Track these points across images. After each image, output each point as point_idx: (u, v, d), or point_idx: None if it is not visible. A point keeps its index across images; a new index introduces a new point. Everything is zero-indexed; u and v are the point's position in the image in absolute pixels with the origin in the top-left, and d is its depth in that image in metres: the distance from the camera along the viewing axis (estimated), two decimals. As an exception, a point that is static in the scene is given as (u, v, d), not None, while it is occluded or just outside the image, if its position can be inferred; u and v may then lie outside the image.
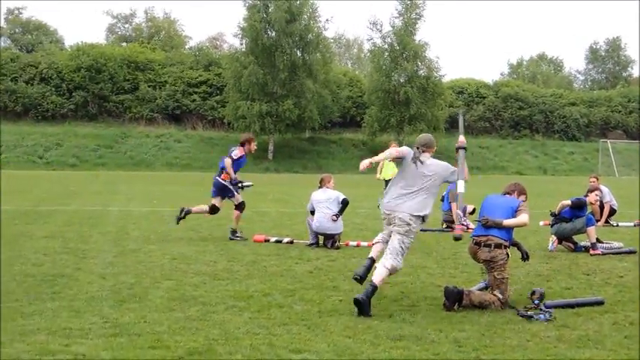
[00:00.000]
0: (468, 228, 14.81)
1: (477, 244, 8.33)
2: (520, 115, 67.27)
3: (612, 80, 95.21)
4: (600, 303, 8.19)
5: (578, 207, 13.07)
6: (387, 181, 22.29)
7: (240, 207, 14.02)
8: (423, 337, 6.73)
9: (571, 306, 8.04)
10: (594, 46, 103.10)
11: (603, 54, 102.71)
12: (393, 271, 8.17)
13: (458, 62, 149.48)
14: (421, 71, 58.48)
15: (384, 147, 58.42)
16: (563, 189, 25.66)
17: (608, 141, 64.19)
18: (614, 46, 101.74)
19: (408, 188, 8.37)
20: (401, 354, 6.23)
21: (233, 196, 14.04)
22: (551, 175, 57.49)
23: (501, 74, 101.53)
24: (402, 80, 57.81)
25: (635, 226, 17.25)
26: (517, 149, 64.05)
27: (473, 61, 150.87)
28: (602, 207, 17.31)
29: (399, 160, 8.60)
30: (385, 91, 57.00)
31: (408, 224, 8.19)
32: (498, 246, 8.20)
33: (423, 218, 8.33)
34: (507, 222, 8.26)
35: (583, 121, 68.64)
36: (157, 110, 59.78)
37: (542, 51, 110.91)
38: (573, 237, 13.01)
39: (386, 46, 59.06)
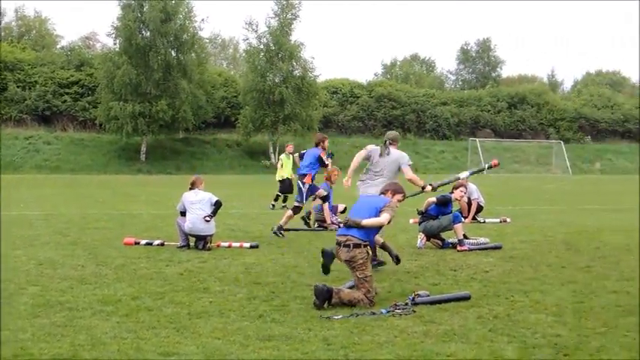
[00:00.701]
0: (339, 226, 14.95)
1: (338, 244, 8.44)
2: (393, 114, 68.37)
3: (482, 80, 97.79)
4: (466, 298, 8.39)
5: (443, 204, 13.38)
6: (280, 181, 22.22)
7: (296, 210, 14.93)
8: (292, 337, 6.76)
9: (438, 302, 8.21)
10: (465, 47, 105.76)
11: (474, 55, 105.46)
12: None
13: (332, 62, 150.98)
14: (296, 71, 58.69)
15: (258, 148, 58.75)
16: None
17: (477, 140, 65.97)
18: (485, 46, 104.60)
19: (377, 175, 10.95)
20: (270, 354, 6.24)
21: (301, 197, 14.90)
22: (422, 173, 58.42)
23: (375, 74, 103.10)
24: (277, 80, 57.88)
25: (500, 222, 17.79)
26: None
27: (347, 61, 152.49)
28: (469, 204, 17.79)
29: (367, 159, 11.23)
30: (260, 92, 56.93)
31: None
32: (357, 246, 8.28)
33: None
34: (365, 222, 8.32)
35: (453, 120, 70.31)
36: (26, 111, 57.91)
37: (415, 52, 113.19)
38: (441, 234, 13.30)
39: (261, 46, 59.01)
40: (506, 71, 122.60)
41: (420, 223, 13.46)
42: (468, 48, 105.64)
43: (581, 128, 75.31)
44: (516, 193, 32.06)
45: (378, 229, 8.58)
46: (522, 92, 76.11)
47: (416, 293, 8.25)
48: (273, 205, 21.75)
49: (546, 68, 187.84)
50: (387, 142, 11.35)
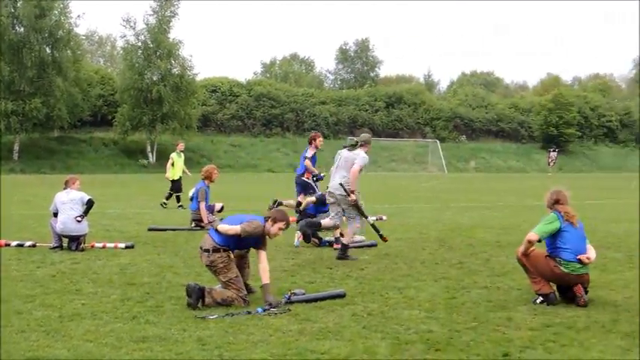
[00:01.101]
0: (211, 223, 14.85)
1: (201, 247, 8.39)
2: (272, 113, 68.46)
3: (360, 80, 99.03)
4: (341, 296, 8.44)
5: (322, 203, 13.47)
6: (173, 181, 21.92)
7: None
8: (166, 338, 6.66)
9: (314, 300, 8.24)
10: (344, 47, 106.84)
11: (352, 54, 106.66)
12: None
13: (211, 61, 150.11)
14: (175, 69, 58.15)
15: (136, 146, 57.82)
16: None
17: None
18: (363, 47, 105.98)
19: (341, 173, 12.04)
20: (143, 355, 6.13)
21: (314, 192, 15.26)
22: (302, 172, 58.82)
23: (254, 73, 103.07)
24: (155, 78, 57.22)
25: (376, 220, 18.00)
26: (269, 147, 65.11)
27: (226, 60, 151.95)
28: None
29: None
30: (138, 90, 56.16)
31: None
32: (216, 250, 8.22)
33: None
34: (220, 227, 8.28)
35: (332, 119, 70.92)
36: None
37: (295, 51, 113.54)
38: (318, 232, 13.36)
39: (139, 43, 58.18)
40: (384, 71, 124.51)
41: (297, 222, 13.49)
42: (347, 48, 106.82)
43: (456, 127, 77.17)
44: (393, 192, 32.54)
45: (234, 237, 8.38)
46: (400, 92, 77.48)
47: (292, 292, 8.25)
48: (165, 204, 21.43)
49: (423, 69, 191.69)
50: (358, 143, 12.46)
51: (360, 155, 12.06)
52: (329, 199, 12.27)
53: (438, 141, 70.63)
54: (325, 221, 12.17)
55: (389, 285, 9.32)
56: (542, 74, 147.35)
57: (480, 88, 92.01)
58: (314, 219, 12.74)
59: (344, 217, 12.09)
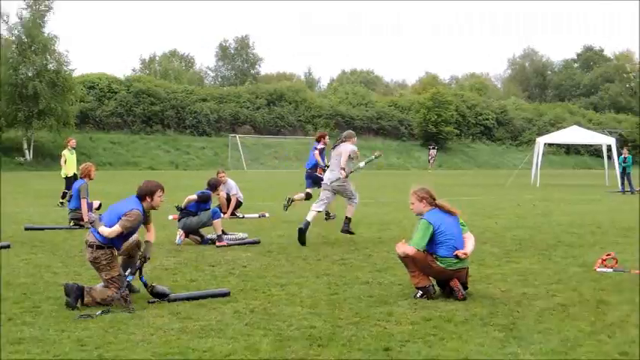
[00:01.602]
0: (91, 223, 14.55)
1: (86, 242, 8.22)
2: (152, 110, 67.33)
3: (241, 77, 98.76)
4: (225, 294, 8.38)
5: (203, 200, 13.38)
6: (66, 178, 21.34)
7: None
8: (44, 339, 6.48)
9: (196, 298, 8.16)
10: (224, 44, 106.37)
11: (233, 51, 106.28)
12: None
13: (89, 57, 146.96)
14: (51, 65, 56.57)
15: (11, 144, 56.05)
16: (195, 183, 26.15)
17: (238, 136, 66.44)
18: (243, 44, 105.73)
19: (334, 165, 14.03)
20: (20, 357, 5.96)
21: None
22: (183, 169, 58.34)
23: (133, 70, 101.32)
24: (30, 74, 55.52)
25: (259, 217, 18.01)
26: (149, 144, 64.15)
27: (104, 55, 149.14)
28: (229, 199, 17.87)
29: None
30: (12, 85, 54.37)
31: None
32: (100, 247, 8.07)
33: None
34: (101, 230, 8.05)
35: (213, 116, 70.35)
36: None
37: (174, 47, 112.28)
38: (200, 230, 13.26)
39: (13, 38, 56.40)
40: (264, 69, 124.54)
41: (179, 220, 13.35)
42: (227, 45, 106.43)
43: (337, 125, 77.70)
44: (276, 189, 32.53)
45: (119, 236, 8.24)
46: (281, 89, 77.49)
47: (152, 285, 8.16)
48: (62, 203, 20.80)
49: (303, 66, 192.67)
50: (340, 139, 14.59)
51: (349, 148, 13.98)
52: (325, 189, 14.17)
53: (319, 138, 70.95)
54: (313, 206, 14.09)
55: (271, 282, 9.33)
56: (421, 73, 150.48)
57: (360, 87, 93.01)
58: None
59: (345, 199, 14.37)
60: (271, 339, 6.52)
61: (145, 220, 8.44)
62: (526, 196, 27.60)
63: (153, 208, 8.41)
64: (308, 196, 17.61)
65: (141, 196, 8.33)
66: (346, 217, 14.20)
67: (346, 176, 13.93)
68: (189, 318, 7.29)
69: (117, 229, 8.03)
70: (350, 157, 13.98)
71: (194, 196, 13.40)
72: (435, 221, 8.44)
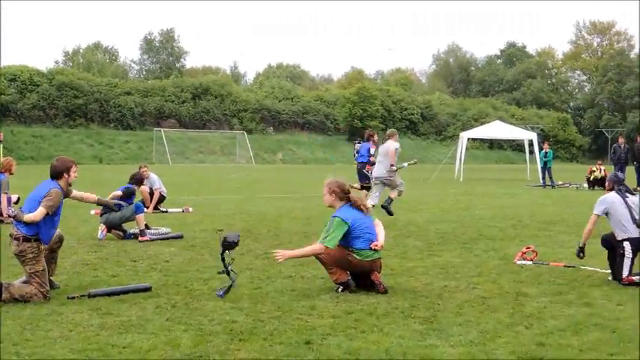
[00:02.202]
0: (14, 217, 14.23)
1: (10, 236, 8.04)
2: (75, 103, 66.23)
3: (166, 71, 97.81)
4: (147, 289, 8.29)
5: (127, 196, 13.26)
6: None
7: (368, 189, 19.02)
8: (-43, 337, 6.33)
9: (117, 293, 8.06)
10: (149, 37, 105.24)
11: (157, 45, 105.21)
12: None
13: (9, 48, 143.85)
14: (-31, 56, 55.38)
15: None
16: (119, 177, 25.81)
17: (162, 130, 65.88)
18: (168, 37, 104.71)
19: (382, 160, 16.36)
20: None
21: (369, 181, 19.04)
22: (107, 163, 57.61)
23: (56, 62, 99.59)
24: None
25: (183, 211, 17.88)
26: (72, 138, 63.17)
27: (26, 47, 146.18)
28: (152, 194, 17.71)
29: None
30: None
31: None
32: (26, 239, 7.91)
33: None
34: (25, 218, 7.90)
35: (138, 110, 69.59)
36: None
37: (98, 40, 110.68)
38: (122, 225, 13.11)
39: None
40: (190, 62, 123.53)
41: (101, 215, 13.17)
42: (152, 38, 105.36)
43: (263, 119, 77.62)
44: (200, 183, 32.38)
45: (47, 226, 8.12)
46: (206, 83, 77.10)
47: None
48: None
49: (229, 60, 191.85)
50: (385, 137, 16.86)
51: (393, 145, 16.31)
52: (375, 182, 16.81)
53: (245, 133, 70.78)
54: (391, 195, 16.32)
55: (194, 277, 9.27)
56: (347, 68, 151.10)
57: (287, 81, 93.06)
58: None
59: (387, 188, 16.46)
60: (192, 334, 6.47)
61: (67, 194, 8.42)
62: (450, 191, 27.98)
63: (70, 184, 8.40)
64: (361, 188, 19.96)
65: (57, 175, 8.25)
66: (389, 197, 16.25)
67: (395, 171, 16.22)
68: (110, 314, 7.19)
69: (41, 210, 7.88)
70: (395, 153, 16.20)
71: (118, 192, 13.27)
72: (349, 218, 8.46)
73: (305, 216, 17.11)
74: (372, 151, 20.25)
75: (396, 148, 16.26)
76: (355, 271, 8.46)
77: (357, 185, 20.11)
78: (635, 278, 8.93)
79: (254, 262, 10.52)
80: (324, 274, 8.96)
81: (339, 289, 8.30)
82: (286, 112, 78.88)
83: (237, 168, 55.23)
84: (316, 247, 8.41)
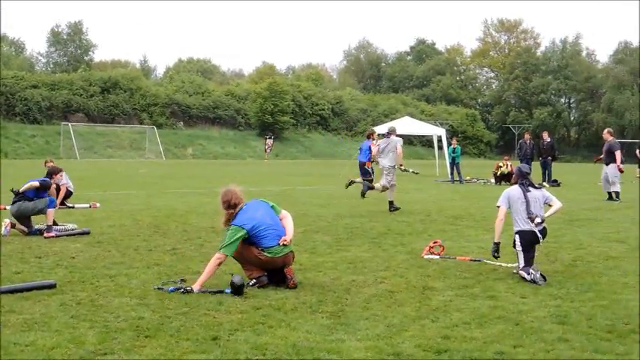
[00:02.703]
0: None
1: None
2: (-24, 97, 64.52)
3: (74, 64, 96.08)
4: (51, 286, 8.12)
5: (44, 188, 13.04)
6: None
7: (370, 182, 20.96)
8: None
9: (20, 290, 7.88)
10: (56, 29, 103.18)
11: (65, 37, 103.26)
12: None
13: None
14: None
15: None
16: (25, 173, 25.25)
17: (70, 124, 64.68)
18: (76, 30, 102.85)
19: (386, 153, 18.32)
20: None
21: (371, 176, 22.56)
22: (12, 158, 56.23)
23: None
24: None
25: (90, 207, 17.60)
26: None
27: None
28: (58, 189, 17.37)
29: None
30: None
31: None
32: None
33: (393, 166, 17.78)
34: None
35: (45, 104, 68.08)
36: None
37: (4, 32, 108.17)
38: (30, 219, 12.86)
39: None
40: (98, 55, 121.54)
41: (13, 203, 12.93)
42: (59, 30, 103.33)
43: (173, 114, 76.90)
44: (108, 178, 31.90)
45: None
46: (115, 77, 75.93)
47: None
48: None
49: (138, 54, 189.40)
50: (389, 132, 18.88)
51: (397, 141, 18.63)
52: (383, 173, 18.41)
53: (155, 127, 69.99)
54: (377, 185, 18.75)
55: (100, 273, 9.12)
56: (258, 62, 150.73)
57: (197, 75, 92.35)
58: None
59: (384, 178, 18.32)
60: (97, 331, 6.37)
61: None
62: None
63: None
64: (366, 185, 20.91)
65: None
66: (371, 185, 19.41)
67: (400, 165, 19.17)
68: (12, 311, 7.03)
69: None
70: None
71: (36, 183, 13.01)
72: (247, 223, 8.44)
73: (214, 211, 16.97)
74: (373, 148, 20.95)
75: (401, 143, 18.84)
76: (269, 268, 8.46)
77: (359, 180, 22.00)
78: (522, 272, 9.13)
79: (162, 257, 10.41)
80: (233, 269, 8.93)
81: (251, 283, 8.28)
82: (197, 107, 78.29)
83: (147, 163, 54.60)
84: (216, 259, 8.35)
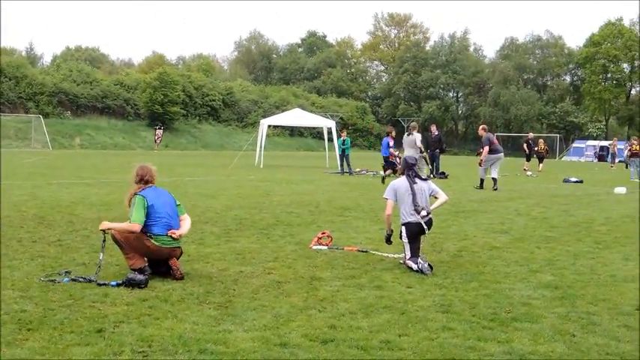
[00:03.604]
0: None
1: None
2: None
3: None
4: None
5: None
6: None
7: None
8: None
9: None
10: None
11: None
12: None
13: None
14: None
15: None
16: None
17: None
18: None
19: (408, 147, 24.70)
20: None
21: (395, 167, 25.16)
22: None
23: None
24: None
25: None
26: None
27: None
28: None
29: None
30: None
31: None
32: None
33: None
34: None
35: None
36: None
37: None
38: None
39: None
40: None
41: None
42: None
43: (61, 103, 75.11)
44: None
45: None
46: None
47: None
48: None
49: (24, 42, 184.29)
50: (409, 128, 24.87)
51: (417, 136, 24.63)
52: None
53: (41, 117, 68.22)
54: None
55: (-19, 266, 8.87)
56: (148, 52, 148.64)
57: (85, 64, 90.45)
58: None
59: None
60: (-35, 326, 6.21)
61: None
62: (249, 177, 28.16)
63: None
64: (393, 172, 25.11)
65: None
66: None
67: (422, 153, 24.62)
68: None
69: None
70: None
71: None
72: (149, 199, 8.42)
73: (101, 202, 16.75)
74: (392, 144, 27.08)
75: (420, 139, 24.77)
76: (154, 258, 8.38)
77: (388, 172, 26.06)
78: (409, 262, 9.32)
79: (47, 249, 10.19)
80: (119, 261, 8.83)
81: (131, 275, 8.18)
82: (85, 96, 76.62)
83: (33, 153, 53.21)
84: (129, 226, 8.35)
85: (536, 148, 41.32)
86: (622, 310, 7.36)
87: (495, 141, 24.96)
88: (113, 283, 7.81)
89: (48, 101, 73.57)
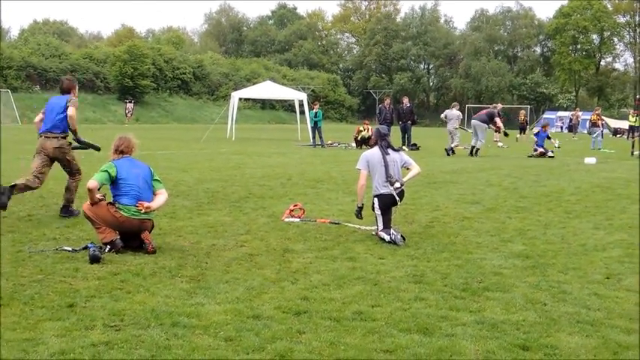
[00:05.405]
0: None
1: None
2: None
3: None
4: None
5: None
6: None
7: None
8: None
9: None
10: None
11: None
12: None
13: None
14: None
15: None
16: None
17: None
18: None
19: (450, 121, 28.95)
20: None
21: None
22: None
23: None
24: None
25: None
26: None
27: None
28: None
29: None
30: None
31: None
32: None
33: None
34: None
35: None
36: None
37: None
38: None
39: None
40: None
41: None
42: None
43: (29, 77, 74.29)
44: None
45: None
46: (-34, 39, 72.75)
47: None
48: None
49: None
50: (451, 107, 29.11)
51: (458, 113, 28.73)
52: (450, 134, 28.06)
53: (10, 91, 67.44)
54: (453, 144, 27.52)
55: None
56: (117, 25, 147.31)
57: (54, 38, 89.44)
58: None
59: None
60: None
61: None
62: (221, 150, 28.07)
63: None
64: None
65: None
66: (453, 145, 27.89)
67: (462, 126, 29.44)
68: None
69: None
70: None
71: None
72: (120, 168, 8.42)
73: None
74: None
75: (459, 115, 28.81)
76: (124, 229, 8.34)
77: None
78: (381, 233, 9.35)
79: (17, 224, 10.11)
80: (90, 236, 8.79)
81: (106, 249, 8.14)
82: (54, 70, 75.74)
83: (2, 128, 52.65)
84: (89, 181, 8.38)
85: (518, 120, 41.97)
86: (592, 279, 7.45)
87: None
88: (90, 245, 7.83)
89: (16, 75, 72.69)
